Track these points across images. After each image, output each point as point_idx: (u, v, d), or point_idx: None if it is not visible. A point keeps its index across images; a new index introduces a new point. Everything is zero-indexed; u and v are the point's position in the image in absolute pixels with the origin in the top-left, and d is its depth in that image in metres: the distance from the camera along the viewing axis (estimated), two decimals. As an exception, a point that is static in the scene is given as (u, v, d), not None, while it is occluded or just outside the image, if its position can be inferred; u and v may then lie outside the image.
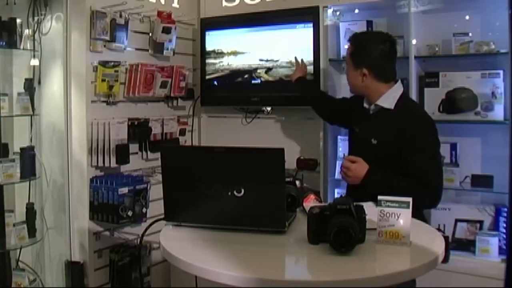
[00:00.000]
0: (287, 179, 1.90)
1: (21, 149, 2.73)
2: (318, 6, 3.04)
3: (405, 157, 2.10)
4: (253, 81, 3.32)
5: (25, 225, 2.70)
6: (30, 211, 2.78)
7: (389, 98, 2.23)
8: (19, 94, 2.73)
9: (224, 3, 3.51)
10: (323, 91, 3.00)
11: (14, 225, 2.68)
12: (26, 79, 2.77)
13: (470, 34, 2.71)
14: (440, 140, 2.18)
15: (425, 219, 2.19)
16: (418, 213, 2.16)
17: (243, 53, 3.34)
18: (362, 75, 2.24)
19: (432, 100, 2.77)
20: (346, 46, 2.39)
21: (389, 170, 2.11)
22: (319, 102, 2.89)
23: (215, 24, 3.46)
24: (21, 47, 2.76)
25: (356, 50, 2.28)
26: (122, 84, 3.00)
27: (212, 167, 1.74)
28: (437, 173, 2.13)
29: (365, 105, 2.33)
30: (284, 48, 3.20)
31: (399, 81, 2.30)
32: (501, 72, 2.62)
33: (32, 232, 2.78)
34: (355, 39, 2.33)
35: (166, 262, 2.77)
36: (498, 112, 2.63)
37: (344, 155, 3.05)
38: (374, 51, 2.22)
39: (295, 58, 3.04)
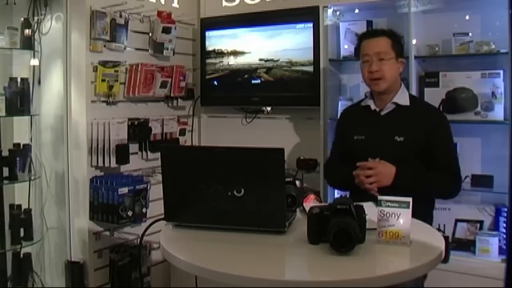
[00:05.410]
0: (287, 179, 1.90)
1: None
2: (318, 6, 3.04)
3: (433, 150, 2.18)
4: (253, 81, 3.32)
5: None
6: (16, 217, 2.71)
7: (403, 94, 2.30)
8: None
9: (224, 3, 3.51)
10: (342, 168, 2.37)
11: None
12: (10, 79, 2.70)
13: (470, 34, 2.71)
14: None
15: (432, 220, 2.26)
16: (428, 213, 2.26)
17: (243, 53, 3.34)
18: (402, 65, 2.31)
19: (432, 100, 2.76)
20: (384, 41, 2.29)
21: (414, 165, 2.17)
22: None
23: (215, 24, 3.45)
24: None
25: (396, 41, 2.30)
26: (122, 84, 3.00)
27: (212, 167, 1.74)
28: (458, 162, 2.24)
29: (373, 107, 2.32)
30: (284, 48, 3.20)
31: None
32: (501, 72, 2.62)
33: (16, 238, 2.70)
34: (390, 31, 2.35)
35: (166, 262, 2.77)
36: (498, 112, 2.62)
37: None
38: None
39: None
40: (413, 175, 2.14)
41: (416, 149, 2.20)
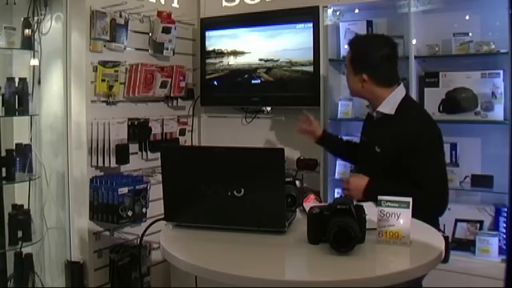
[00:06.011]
0: (287, 179, 1.90)
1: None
2: (318, 6, 3.04)
3: (407, 163, 2.04)
4: (253, 81, 3.32)
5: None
6: (14, 218, 2.69)
7: (389, 103, 2.17)
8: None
9: (224, 3, 3.51)
10: (346, 141, 2.73)
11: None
12: (8, 79, 2.67)
13: (470, 34, 2.71)
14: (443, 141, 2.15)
15: (438, 225, 2.16)
16: (433, 220, 2.12)
17: (243, 53, 3.34)
18: (362, 81, 2.18)
19: (432, 100, 2.78)
20: (347, 49, 2.32)
21: (394, 178, 2.05)
22: (346, 155, 2.72)
23: (215, 24, 3.46)
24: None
25: (355, 56, 2.22)
26: (122, 84, 3.00)
27: (212, 167, 1.74)
28: (440, 179, 2.07)
29: (369, 111, 2.29)
30: (284, 48, 3.21)
31: (401, 84, 2.23)
32: (501, 72, 2.62)
33: (14, 239, 2.68)
34: (354, 44, 2.29)
35: (166, 262, 2.77)
36: (498, 112, 2.63)
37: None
38: (374, 57, 2.16)
39: (304, 114, 2.72)
40: (382, 190, 1.92)
41: (392, 161, 2.09)
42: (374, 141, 2.21)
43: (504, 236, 2.60)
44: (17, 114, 2.72)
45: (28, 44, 2.76)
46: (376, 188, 2.01)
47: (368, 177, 2.12)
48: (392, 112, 2.16)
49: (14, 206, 2.75)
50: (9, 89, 2.65)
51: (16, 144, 2.76)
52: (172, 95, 3.32)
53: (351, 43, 2.30)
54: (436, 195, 2.04)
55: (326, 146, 2.77)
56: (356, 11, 3.08)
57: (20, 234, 2.70)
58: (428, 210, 2.06)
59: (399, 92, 2.20)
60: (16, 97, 2.67)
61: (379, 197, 1.64)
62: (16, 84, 2.68)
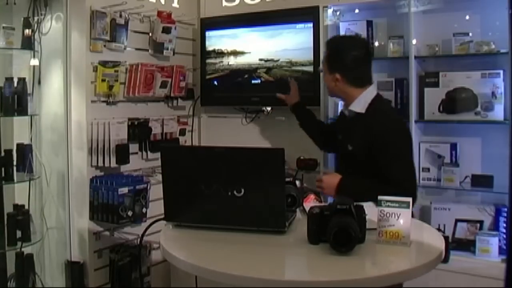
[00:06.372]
0: (287, 179, 1.90)
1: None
2: (318, 6, 3.04)
3: (376, 161, 2.08)
4: (253, 81, 3.32)
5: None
6: (13, 218, 2.68)
7: (360, 102, 2.23)
8: None
9: (224, 3, 3.51)
10: (319, 120, 2.92)
11: None
12: (6, 79, 2.67)
13: (470, 34, 2.71)
14: (412, 141, 2.21)
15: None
16: None
17: (243, 53, 3.34)
18: (335, 80, 2.26)
19: (432, 100, 2.78)
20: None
21: (366, 176, 2.09)
22: (314, 131, 2.84)
23: (215, 24, 3.46)
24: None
25: (330, 55, 2.31)
26: (122, 84, 3.00)
27: (212, 167, 1.74)
28: (409, 177, 2.11)
29: (343, 110, 2.36)
30: (284, 48, 3.21)
31: (373, 84, 2.30)
32: (501, 72, 2.62)
33: (12, 240, 2.67)
34: (330, 44, 2.37)
35: (166, 262, 2.78)
36: (498, 112, 2.63)
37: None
38: (347, 57, 2.23)
39: (288, 79, 2.98)
40: (354, 187, 2.09)
41: (363, 159, 2.14)
42: (346, 140, 2.27)
43: (504, 236, 2.61)
44: (16, 114, 2.72)
45: (28, 44, 2.76)
46: (348, 185, 2.11)
47: (342, 174, 2.18)
48: (363, 111, 2.22)
49: (15, 206, 2.75)
50: (8, 89, 2.64)
51: (17, 144, 2.76)
52: (172, 95, 3.32)
53: (328, 43, 2.40)
54: (405, 193, 1.98)
55: (297, 117, 2.88)
56: (356, 11, 3.08)
57: (19, 234, 2.69)
58: None
59: (370, 92, 2.26)
60: (15, 97, 2.67)
61: (379, 197, 1.64)
62: (15, 84, 2.68)
